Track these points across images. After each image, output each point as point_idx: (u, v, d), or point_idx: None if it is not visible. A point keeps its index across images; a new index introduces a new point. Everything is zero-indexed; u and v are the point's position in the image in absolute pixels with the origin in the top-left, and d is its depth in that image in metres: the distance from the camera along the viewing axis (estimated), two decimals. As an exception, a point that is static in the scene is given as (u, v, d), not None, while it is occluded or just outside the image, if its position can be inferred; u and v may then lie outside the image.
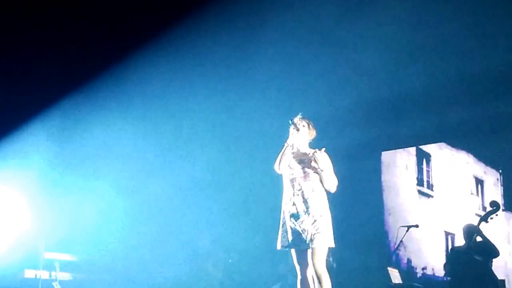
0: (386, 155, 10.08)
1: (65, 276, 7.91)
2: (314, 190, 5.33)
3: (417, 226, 8.67)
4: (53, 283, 7.62)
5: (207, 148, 8.87)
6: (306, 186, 5.34)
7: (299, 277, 5.43)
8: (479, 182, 10.00)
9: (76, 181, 8.23)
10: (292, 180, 5.42)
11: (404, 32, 8.02)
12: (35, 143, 8.09)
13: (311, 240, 5.19)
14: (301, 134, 5.50)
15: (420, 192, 10.08)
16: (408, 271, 9.19)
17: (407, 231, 8.44)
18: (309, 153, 5.49)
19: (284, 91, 8.75)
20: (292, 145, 5.52)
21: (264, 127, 8.30)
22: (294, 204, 5.34)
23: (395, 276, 8.49)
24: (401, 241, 8.53)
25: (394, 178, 10.08)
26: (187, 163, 8.84)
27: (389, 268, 8.48)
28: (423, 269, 9.33)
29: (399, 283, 8.30)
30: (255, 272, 8.47)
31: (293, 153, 5.55)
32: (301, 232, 5.23)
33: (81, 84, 8.11)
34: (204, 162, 8.93)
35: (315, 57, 8.45)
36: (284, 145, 5.49)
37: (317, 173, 5.39)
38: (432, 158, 10.17)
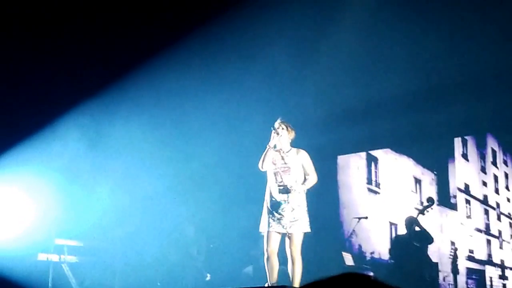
0: (341, 158, 10.69)
1: (72, 259, 8.27)
2: (293, 182, 5.76)
3: (366, 217, 9.52)
4: (62, 265, 8.10)
5: (197, 143, 9.09)
6: (286, 179, 5.74)
7: (266, 256, 5.81)
8: (417, 181, 10.42)
9: (86, 177, 8.58)
10: (275, 174, 5.82)
11: (358, 42, 8.45)
12: (57, 142, 8.36)
13: (290, 226, 5.63)
14: (282, 136, 5.88)
15: (369, 190, 10.60)
16: (359, 255, 9.70)
17: (358, 221, 9.30)
18: (290, 151, 5.87)
19: (264, 95, 8.88)
20: (275, 145, 5.87)
21: (246, 127, 8.47)
22: (276, 194, 5.75)
23: (348, 259, 9.05)
24: (353, 230, 9.36)
25: (348, 177, 10.67)
26: (178, 159, 9.10)
27: (343, 253, 9.20)
28: (371, 253, 9.87)
29: (352, 265, 8.99)
30: (232, 255, 8.88)
31: (276, 151, 5.89)
32: (281, 219, 5.65)
33: (99, 89, 8.33)
34: (194, 157, 9.17)
35: (285, 64, 8.66)
36: (266, 147, 5.86)
37: (296, 167, 5.77)
38: (379, 161, 10.68)
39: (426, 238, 8.61)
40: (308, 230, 5.83)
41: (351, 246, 9.84)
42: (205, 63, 8.84)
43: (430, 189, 10.26)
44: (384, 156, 10.86)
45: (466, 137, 10.42)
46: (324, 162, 9.39)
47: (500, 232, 10.62)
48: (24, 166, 8.15)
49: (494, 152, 10.77)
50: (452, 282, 8.63)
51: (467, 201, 10.53)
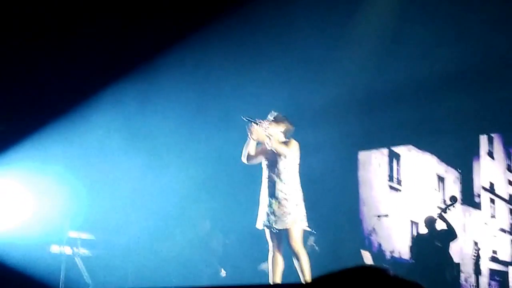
0: (362, 154, 10.43)
1: (86, 252, 7.94)
2: (281, 175, 5.53)
3: (387, 215, 9.15)
4: (75, 258, 7.72)
5: (213, 138, 8.94)
6: (274, 172, 5.54)
7: (270, 254, 5.58)
8: (441, 179, 10.32)
9: (102, 171, 8.28)
10: (265, 168, 5.66)
11: (379, 34, 8.30)
12: (75, 134, 8.13)
13: (277, 222, 5.42)
14: (269, 129, 5.67)
15: (390, 187, 10.45)
16: (378, 254, 9.53)
17: (378, 219, 9.07)
18: (278, 144, 5.59)
19: (281, 90, 8.62)
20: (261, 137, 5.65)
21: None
22: (265, 188, 5.59)
23: (367, 257, 8.70)
24: (373, 228, 9.23)
25: (369, 174, 10.42)
26: (196, 154, 8.95)
27: (362, 251, 8.88)
28: (391, 252, 9.73)
29: (371, 264, 8.56)
30: (248, 251, 8.57)
31: (267, 144, 5.62)
32: (270, 214, 5.47)
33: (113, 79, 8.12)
34: (211, 152, 9.01)
35: (299, 56, 8.48)
36: (247, 140, 5.70)
37: (286, 159, 5.53)
38: (402, 158, 10.51)
39: (448, 236, 8.36)
40: (303, 226, 5.51)
41: (370, 244, 9.69)
42: (210, 59, 8.69)
43: (453, 187, 10.20)
44: (407, 153, 10.75)
45: (492, 135, 10.24)
46: (344, 158, 9.69)
47: (525, 233, 10.42)
48: (39, 158, 7.91)
49: (520, 150, 10.59)
50: (474, 283, 8.49)
51: (492, 200, 10.35)
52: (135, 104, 8.60)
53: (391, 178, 10.55)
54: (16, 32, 7.58)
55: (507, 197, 10.41)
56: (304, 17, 8.22)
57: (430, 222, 8.47)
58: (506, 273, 9.57)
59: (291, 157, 5.59)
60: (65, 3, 7.63)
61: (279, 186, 5.52)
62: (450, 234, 8.32)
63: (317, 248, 8.35)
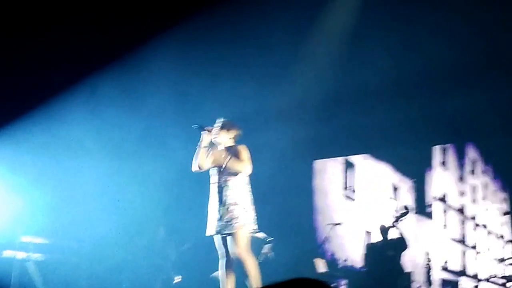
0: (318, 163, 10.43)
1: (38, 257, 7.77)
2: (229, 182, 5.51)
3: (340, 224, 9.26)
4: (28, 263, 7.59)
5: (167, 143, 8.79)
6: (222, 178, 5.52)
7: (221, 261, 5.54)
8: (395, 188, 10.46)
9: (54, 176, 8.18)
10: (213, 174, 5.64)
11: (339, 45, 8.18)
12: (24, 138, 7.92)
13: (226, 227, 5.38)
14: (219, 136, 5.66)
15: (345, 196, 10.56)
16: (332, 262, 9.59)
17: (332, 228, 8.98)
18: (229, 149, 5.60)
19: (239, 97, 8.49)
20: (211, 145, 5.67)
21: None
22: (214, 194, 5.57)
23: (321, 265, 8.66)
24: (327, 236, 9.03)
25: (324, 182, 10.49)
26: (150, 160, 8.89)
27: (315, 259, 8.72)
28: (344, 260, 9.79)
29: (324, 272, 8.55)
30: (203, 258, 7.96)
31: (217, 151, 5.67)
32: (218, 220, 5.42)
33: (59, 90, 7.93)
34: (166, 158, 8.94)
35: (255, 64, 8.31)
36: (196, 148, 5.70)
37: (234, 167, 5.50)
38: (357, 167, 10.60)
39: (400, 246, 8.42)
40: (250, 229, 5.48)
41: (324, 253, 9.68)
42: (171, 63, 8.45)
43: (407, 197, 10.29)
44: (362, 162, 10.85)
45: (445, 146, 10.41)
46: (300, 166, 9.83)
47: (475, 243, 10.62)
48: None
49: (473, 161, 10.79)
50: (425, 292, 8.54)
51: (444, 211, 10.52)
52: (86, 108, 8.44)
53: (346, 187, 10.68)
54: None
55: (458, 208, 10.62)
56: (259, 23, 8.17)
57: (383, 231, 8.50)
58: (456, 283, 9.74)
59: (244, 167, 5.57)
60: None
61: (226, 191, 5.50)
62: (402, 243, 8.36)
63: (270, 255, 8.11)
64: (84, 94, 8.32)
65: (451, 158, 10.69)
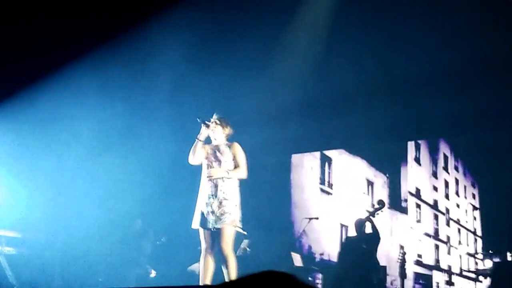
0: (295, 157, 10.58)
1: (10, 251, 7.93)
2: (223, 177, 5.63)
3: (317, 218, 9.42)
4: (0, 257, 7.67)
5: (144, 133, 8.98)
6: (216, 173, 5.64)
7: (202, 254, 5.65)
8: (370, 183, 10.47)
9: (25, 167, 8.26)
10: (206, 167, 5.75)
11: (315, 41, 8.48)
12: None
13: (217, 221, 5.49)
14: (215, 131, 5.83)
15: (321, 190, 10.57)
16: (308, 256, 9.65)
17: (308, 222, 9.18)
18: (222, 146, 5.78)
19: (215, 91, 8.73)
20: (208, 139, 5.84)
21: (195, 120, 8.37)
22: (205, 188, 5.64)
23: (297, 259, 8.94)
24: (304, 230, 9.22)
25: (301, 177, 10.58)
26: (125, 148, 8.85)
27: (292, 253, 9.02)
28: (321, 254, 9.83)
29: (301, 266, 8.87)
30: (180, 252, 8.65)
31: (210, 145, 5.85)
32: (208, 214, 5.52)
33: (41, 77, 8.04)
34: (143, 148, 9.01)
35: (233, 58, 8.52)
36: (195, 140, 5.81)
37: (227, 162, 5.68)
38: (333, 162, 10.67)
39: (375, 240, 8.57)
40: (238, 225, 5.64)
41: (301, 247, 9.76)
42: (147, 57, 8.73)
43: (382, 191, 10.36)
44: (338, 156, 10.85)
45: (419, 141, 10.53)
46: (277, 161, 9.88)
47: (448, 238, 10.77)
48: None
49: (446, 157, 10.92)
50: (399, 286, 8.64)
51: (418, 205, 10.64)
52: (64, 102, 8.45)
53: (322, 181, 10.66)
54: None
55: (432, 203, 10.75)
56: (237, 21, 8.31)
57: (358, 225, 8.62)
58: (430, 277, 9.87)
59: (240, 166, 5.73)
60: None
61: (220, 186, 5.58)
62: (377, 238, 8.47)
63: (248, 250, 8.39)
64: (67, 81, 8.36)
65: (425, 153, 10.80)
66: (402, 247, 9.36)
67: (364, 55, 8.50)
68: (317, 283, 8.77)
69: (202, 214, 5.60)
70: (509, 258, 7.12)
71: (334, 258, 9.33)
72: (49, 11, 7.65)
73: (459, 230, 10.64)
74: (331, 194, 10.78)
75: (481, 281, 8.03)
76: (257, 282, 1.46)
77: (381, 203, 8.71)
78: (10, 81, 8.07)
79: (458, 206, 10.69)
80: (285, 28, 8.74)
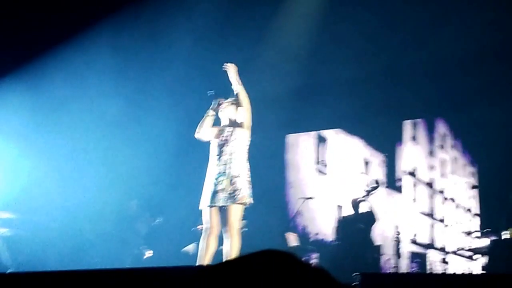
0: (290, 137, 10.57)
1: (5, 232, 7.84)
2: (232, 153, 5.65)
3: (312, 198, 9.34)
4: None
5: (140, 110, 8.96)
6: (226, 150, 5.64)
7: (204, 234, 5.60)
8: (366, 163, 10.49)
9: (19, 147, 8.26)
10: (216, 146, 5.73)
11: (312, 21, 8.46)
12: None
13: (229, 198, 5.47)
14: (226, 110, 5.84)
15: (317, 170, 10.59)
16: (303, 236, 9.65)
17: (304, 202, 9.10)
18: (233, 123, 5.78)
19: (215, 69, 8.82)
20: (217, 114, 5.84)
21: (195, 98, 8.08)
22: (215, 166, 5.63)
23: (293, 239, 8.93)
24: (299, 210, 9.19)
25: (296, 157, 10.56)
26: (120, 127, 8.82)
27: (287, 233, 8.99)
28: (316, 234, 9.85)
29: (296, 245, 8.83)
30: (176, 232, 8.61)
31: (219, 126, 5.84)
32: (219, 192, 5.51)
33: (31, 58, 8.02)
34: (138, 125, 8.99)
35: (234, 37, 8.52)
36: (205, 114, 5.83)
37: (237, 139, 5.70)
38: (329, 141, 10.66)
39: (371, 219, 8.65)
40: (250, 201, 5.65)
41: (296, 226, 9.77)
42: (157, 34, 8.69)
43: (378, 171, 10.36)
44: (335, 136, 10.84)
45: (416, 120, 10.53)
46: (272, 141, 9.83)
47: (444, 217, 10.82)
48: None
49: (444, 136, 10.92)
50: (395, 264, 8.68)
51: (414, 184, 10.66)
52: (60, 77, 8.42)
53: (318, 161, 10.68)
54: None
55: (428, 182, 10.77)
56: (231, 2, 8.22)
57: (354, 205, 8.67)
58: (425, 255, 9.92)
59: (243, 136, 5.79)
60: None
61: (231, 163, 5.58)
62: (372, 217, 8.53)
63: (245, 228, 8.36)
64: (69, 54, 8.35)
65: (421, 132, 10.80)
66: (397, 227, 9.39)
67: (361, 36, 8.51)
68: (313, 262, 8.78)
69: (213, 192, 5.57)
70: (505, 236, 7.13)
71: (329, 237, 9.37)
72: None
73: (455, 208, 10.68)
74: (327, 173, 10.78)
75: (476, 260, 8.06)
76: (257, 260, 1.45)
77: (377, 182, 8.74)
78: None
79: (454, 185, 10.71)
80: (280, 9, 8.73)
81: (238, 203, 5.52)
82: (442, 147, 11.03)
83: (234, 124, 5.86)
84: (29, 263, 7.68)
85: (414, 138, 10.53)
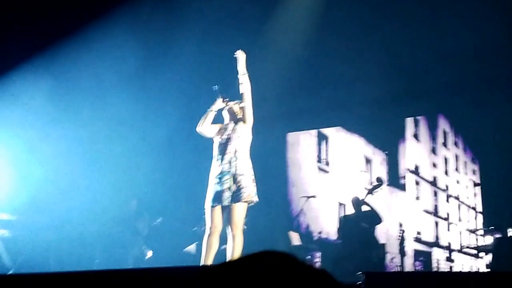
0: (291, 136, 10.50)
1: (5, 233, 7.79)
2: (236, 151, 5.62)
3: (314, 196, 9.24)
4: None
5: (142, 111, 8.87)
6: (230, 148, 5.61)
7: (207, 234, 5.55)
8: (368, 161, 10.45)
9: (19, 149, 8.14)
10: (219, 144, 5.71)
11: (310, 18, 8.41)
12: None
13: (234, 197, 5.44)
14: (232, 109, 5.82)
15: (319, 168, 10.53)
16: (306, 235, 9.62)
17: (306, 200, 9.08)
18: (237, 121, 5.76)
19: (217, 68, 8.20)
20: (221, 112, 5.82)
21: (196, 98, 8.10)
22: (219, 165, 5.59)
23: (295, 238, 8.89)
24: (301, 209, 9.15)
25: (298, 155, 10.47)
26: (121, 128, 8.78)
27: (290, 232, 8.96)
28: (319, 233, 9.70)
29: (299, 244, 8.83)
30: (176, 232, 8.60)
31: (222, 124, 5.82)
32: (224, 191, 5.46)
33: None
34: (139, 127, 8.94)
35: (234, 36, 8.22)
36: (208, 110, 5.80)
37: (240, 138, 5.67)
38: (330, 139, 10.60)
39: (374, 219, 8.61)
40: (255, 199, 5.61)
41: (299, 225, 9.76)
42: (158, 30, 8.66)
43: (380, 169, 10.36)
44: (336, 134, 10.84)
45: (418, 117, 10.49)
46: (273, 139, 9.82)
47: (448, 214, 10.79)
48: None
49: (445, 133, 10.92)
50: (399, 263, 8.65)
51: (417, 182, 10.64)
52: (62, 75, 8.41)
53: (319, 160, 10.64)
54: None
55: (431, 179, 10.74)
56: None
57: (357, 204, 8.63)
58: (429, 254, 9.89)
59: (246, 134, 5.76)
60: None
61: (235, 162, 5.56)
62: (375, 216, 8.49)
63: (245, 226, 8.33)
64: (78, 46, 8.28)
65: (423, 130, 10.78)
66: (401, 225, 9.37)
67: (362, 31, 8.45)
68: (316, 262, 8.75)
69: (217, 192, 5.54)
70: (510, 234, 7.10)
71: (333, 236, 9.39)
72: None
73: (459, 206, 10.66)
74: (329, 172, 10.77)
75: (481, 257, 8.03)
76: (258, 261, 1.44)
77: (379, 180, 8.70)
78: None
79: (458, 182, 10.70)
80: (280, 5, 8.69)
81: (244, 202, 5.49)
82: (444, 144, 11.01)
83: (236, 121, 5.83)
84: (29, 264, 7.63)
85: (416, 136, 10.50)
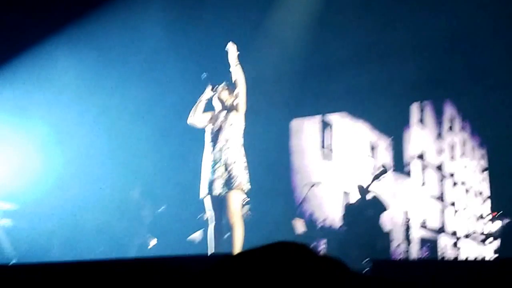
0: (294, 122, 10.45)
1: (7, 223, 7.68)
2: (228, 140, 5.58)
3: (319, 183, 9.22)
4: None
5: (143, 100, 8.76)
6: (221, 137, 5.58)
7: (213, 223, 5.54)
8: (373, 147, 10.46)
9: (20, 138, 7.99)
10: (210, 133, 5.68)
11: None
12: None
13: (224, 186, 5.43)
14: (221, 95, 5.74)
15: (323, 155, 10.50)
16: (310, 222, 9.61)
17: (310, 188, 9.01)
18: (228, 110, 5.68)
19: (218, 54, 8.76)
20: (211, 99, 5.78)
21: (197, 86, 8.36)
22: (210, 153, 5.58)
23: (300, 225, 8.84)
24: (305, 196, 9.07)
25: (302, 142, 10.41)
26: (123, 116, 8.71)
27: (295, 219, 8.91)
28: (323, 220, 9.79)
29: (303, 232, 8.76)
30: (180, 221, 8.43)
31: (213, 112, 5.76)
32: (215, 180, 5.45)
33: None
34: (140, 114, 8.86)
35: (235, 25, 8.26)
36: (198, 100, 5.77)
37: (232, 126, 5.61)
38: (335, 126, 10.55)
39: (379, 205, 8.54)
40: (247, 187, 5.56)
41: (303, 213, 9.74)
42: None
43: (385, 155, 10.30)
44: (340, 120, 10.80)
45: (423, 103, 10.44)
46: (277, 126, 9.73)
47: (454, 200, 10.75)
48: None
49: (452, 118, 10.86)
50: (405, 250, 8.62)
51: (422, 168, 10.60)
52: (61, 61, 8.30)
53: (323, 146, 10.61)
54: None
55: (437, 165, 10.70)
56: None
57: (361, 191, 8.56)
58: (436, 240, 9.88)
59: (238, 122, 5.67)
60: None
61: (226, 151, 5.53)
62: (381, 203, 8.43)
63: (248, 216, 8.30)
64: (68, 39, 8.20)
65: (429, 115, 10.73)
66: (406, 212, 9.34)
67: (367, 16, 8.38)
68: (321, 249, 8.73)
69: (211, 181, 5.52)
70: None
71: (337, 224, 9.30)
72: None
73: (465, 192, 10.62)
74: (333, 159, 10.72)
75: (489, 243, 8.00)
76: (272, 252, 1.46)
77: (384, 167, 8.65)
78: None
79: (465, 167, 10.65)
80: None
81: (236, 190, 5.46)
82: (450, 129, 10.96)
83: (228, 109, 5.76)
84: (32, 254, 7.63)
85: (421, 121, 10.46)
